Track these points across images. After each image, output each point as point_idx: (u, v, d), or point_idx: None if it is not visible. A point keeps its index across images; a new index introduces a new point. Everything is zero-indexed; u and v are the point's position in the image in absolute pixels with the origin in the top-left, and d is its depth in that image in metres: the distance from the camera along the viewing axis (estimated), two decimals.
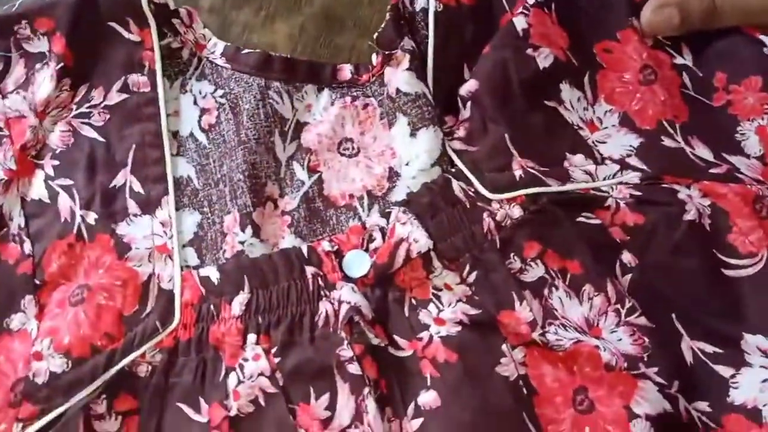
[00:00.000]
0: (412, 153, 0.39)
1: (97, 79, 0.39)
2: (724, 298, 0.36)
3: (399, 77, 0.39)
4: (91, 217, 0.37)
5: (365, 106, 0.40)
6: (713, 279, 0.36)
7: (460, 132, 0.39)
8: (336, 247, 0.37)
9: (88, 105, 0.39)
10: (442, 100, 0.39)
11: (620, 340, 0.35)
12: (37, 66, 0.39)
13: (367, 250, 0.37)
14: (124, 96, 0.39)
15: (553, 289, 0.36)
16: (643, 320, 0.36)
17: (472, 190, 0.38)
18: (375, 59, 0.40)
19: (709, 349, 0.35)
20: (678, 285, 0.36)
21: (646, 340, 0.35)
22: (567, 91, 0.38)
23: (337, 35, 0.42)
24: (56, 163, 0.38)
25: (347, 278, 0.37)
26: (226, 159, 0.39)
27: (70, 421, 0.34)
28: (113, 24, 0.40)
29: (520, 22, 0.38)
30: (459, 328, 0.35)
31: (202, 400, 0.35)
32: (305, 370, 0.35)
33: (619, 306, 0.36)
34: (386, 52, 0.39)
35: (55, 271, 0.36)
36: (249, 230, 0.38)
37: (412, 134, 0.39)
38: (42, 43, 0.39)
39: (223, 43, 0.41)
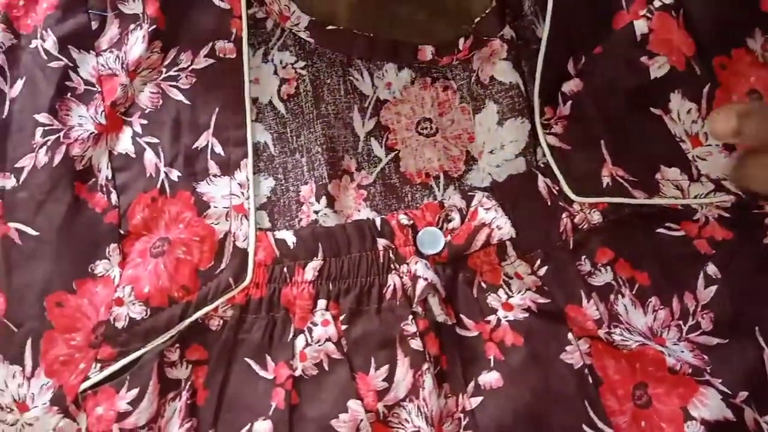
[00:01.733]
0: (498, 142, 0.39)
1: (186, 43, 0.40)
2: None
3: (495, 66, 0.39)
4: (174, 174, 0.39)
5: (445, 88, 0.40)
6: None
7: (557, 128, 0.39)
8: (411, 222, 0.38)
9: (176, 68, 0.40)
10: (544, 90, 0.39)
11: (683, 352, 0.36)
12: (131, 27, 0.40)
13: (441, 228, 0.38)
14: (211, 61, 0.40)
15: (620, 296, 0.37)
16: (703, 339, 0.36)
17: (557, 188, 0.38)
18: (462, 43, 0.40)
19: None
20: (761, 303, 0.36)
21: (706, 357, 0.36)
22: (677, 101, 0.37)
23: (396, 6, 0.42)
24: (144, 122, 0.39)
25: (419, 254, 0.38)
26: (304, 130, 0.40)
27: (145, 365, 0.36)
28: None
29: (640, 26, 0.37)
30: (527, 314, 0.37)
31: (269, 358, 0.37)
32: (369, 340, 0.36)
33: (681, 322, 0.37)
34: (483, 38, 0.40)
35: (139, 222, 0.38)
36: (324, 201, 0.39)
37: (500, 123, 0.39)
38: (137, 5, 0.40)
39: (307, 17, 0.42)
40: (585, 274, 0.37)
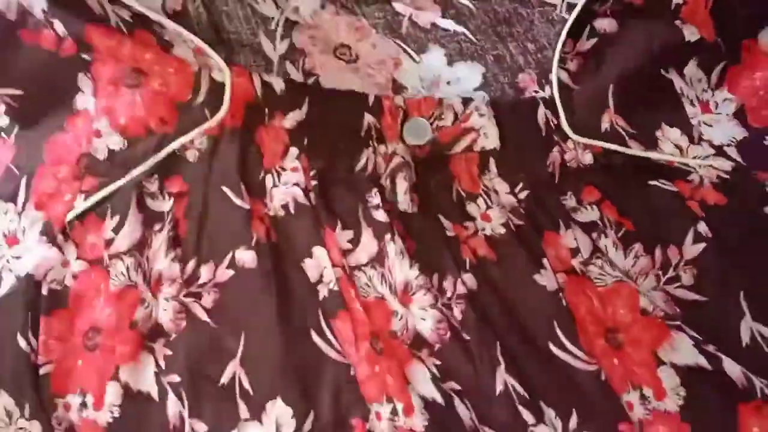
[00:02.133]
0: (451, 76, 0.39)
1: None
2: None
3: (432, 16, 0.39)
4: (125, 14, 0.36)
5: (358, 21, 0.39)
6: None
7: (572, 65, 0.38)
8: (405, 107, 0.38)
9: None
10: (574, 22, 0.38)
11: (655, 300, 0.36)
12: None
13: (432, 124, 0.38)
14: None
15: (603, 236, 0.37)
16: (681, 292, 0.36)
17: (555, 122, 0.38)
18: None
19: None
20: (749, 269, 0.37)
21: (678, 310, 0.36)
22: (692, 67, 0.38)
23: None
24: None
25: (401, 140, 0.38)
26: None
27: (124, 194, 0.36)
28: None
29: None
30: (503, 231, 0.37)
31: (243, 188, 0.37)
32: (335, 203, 0.37)
33: (660, 272, 0.37)
34: None
35: (101, 47, 0.36)
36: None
37: (450, 63, 0.40)
38: None
39: None
40: (569, 209, 0.37)
